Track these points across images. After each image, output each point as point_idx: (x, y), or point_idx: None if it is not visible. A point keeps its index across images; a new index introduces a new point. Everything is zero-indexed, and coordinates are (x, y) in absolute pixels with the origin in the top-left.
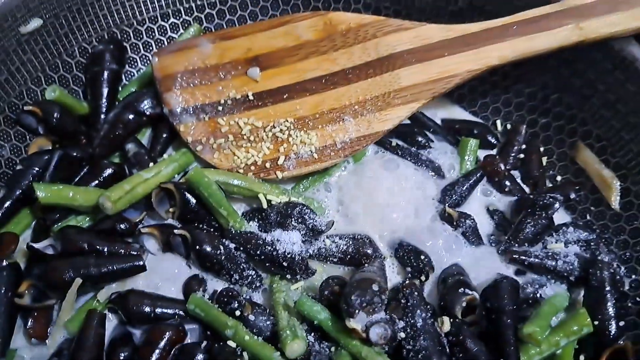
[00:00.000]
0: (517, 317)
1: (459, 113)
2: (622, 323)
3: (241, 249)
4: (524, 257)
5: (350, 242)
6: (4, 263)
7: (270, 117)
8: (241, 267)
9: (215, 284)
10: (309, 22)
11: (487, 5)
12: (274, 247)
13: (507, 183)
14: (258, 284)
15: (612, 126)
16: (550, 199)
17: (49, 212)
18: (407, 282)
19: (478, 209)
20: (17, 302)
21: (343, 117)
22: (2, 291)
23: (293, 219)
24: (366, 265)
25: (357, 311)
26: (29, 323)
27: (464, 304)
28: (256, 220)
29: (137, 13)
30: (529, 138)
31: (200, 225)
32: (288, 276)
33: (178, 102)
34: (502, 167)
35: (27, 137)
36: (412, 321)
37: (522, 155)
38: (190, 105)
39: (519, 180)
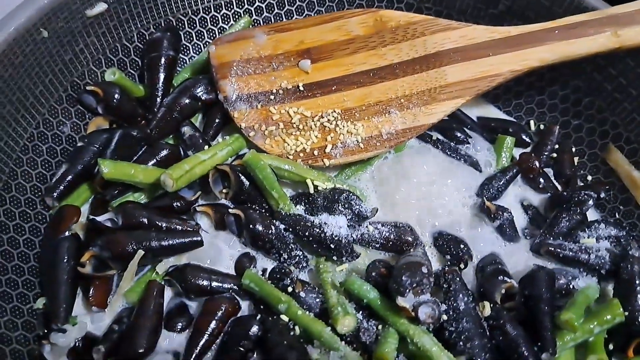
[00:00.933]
0: (553, 305)
1: (494, 112)
2: None
3: (290, 230)
4: (558, 250)
5: (393, 230)
6: (67, 234)
7: (319, 108)
8: (290, 247)
9: (265, 263)
10: (360, 18)
11: (527, 11)
12: (321, 229)
13: (541, 180)
14: (305, 264)
15: None
16: (585, 196)
17: (108, 188)
18: (447, 268)
19: (513, 204)
20: (80, 271)
21: (389, 110)
22: (65, 260)
23: (340, 204)
24: (409, 251)
25: (407, 290)
26: (90, 291)
27: (503, 291)
28: (303, 204)
29: (193, 3)
30: (562, 138)
31: (252, 206)
32: (334, 258)
33: (233, 89)
34: (537, 165)
35: (87, 116)
36: (454, 304)
37: (554, 155)
38: (244, 93)
39: (552, 178)
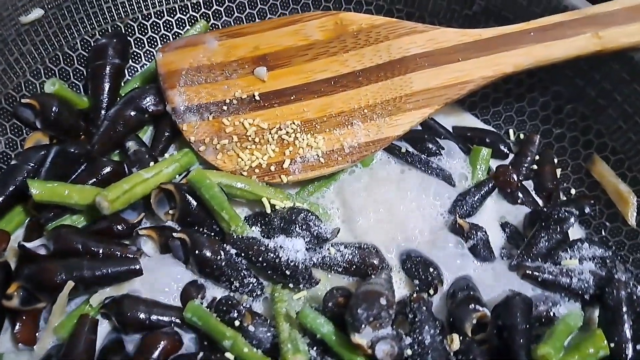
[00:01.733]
0: (530, 337)
1: (470, 121)
2: (639, 346)
3: (242, 254)
4: (537, 273)
5: (356, 252)
6: None
7: (276, 119)
8: (242, 274)
9: (215, 291)
10: (319, 21)
11: (503, 11)
12: (276, 254)
13: (520, 195)
14: (259, 292)
15: (630, 139)
16: (566, 213)
17: (43, 210)
18: (414, 295)
19: (489, 221)
20: (5, 304)
21: (352, 121)
22: None
23: (297, 226)
24: (372, 276)
25: (363, 325)
26: (17, 327)
27: (474, 321)
28: (259, 225)
29: (143, 7)
30: (543, 149)
31: (201, 229)
32: (291, 285)
33: (182, 100)
34: (515, 178)
35: (24, 131)
36: (419, 337)
37: (535, 167)
38: (194, 103)
39: (532, 192)
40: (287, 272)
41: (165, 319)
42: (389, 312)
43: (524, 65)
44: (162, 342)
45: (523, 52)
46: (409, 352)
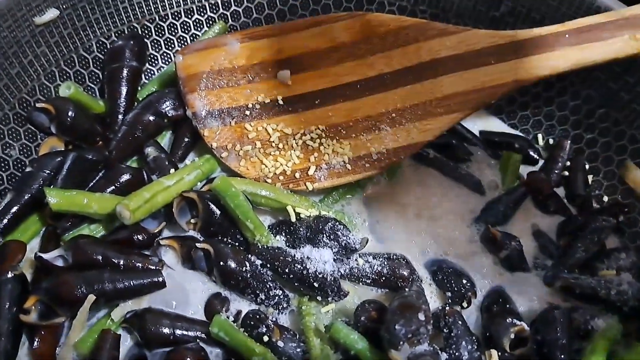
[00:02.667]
0: (571, 352)
1: (497, 125)
2: None
3: (268, 265)
4: (576, 285)
5: (385, 262)
6: (9, 275)
7: (300, 124)
8: (267, 285)
9: (239, 304)
10: (345, 23)
11: (532, 12)
12: (304, 265)
13: (552, 203)
14: (285, 305)
15: None
16: (604, 222)
17: (60, 220)
18: (448, 309)
19: (521, 230)
20: (23, 319)
21: (379, 126)
22: (7, 306)
23: (325, 235)
24: (405, 289)
25: (401, 342)
26: (35, 342)
27: (512, 336)
28: (284, 234)
29: (160, 8)
30: (573, 155)
31: (224, 239)
32: (319, 297)
33: (203, 104)
34: (547, 185)
35: (38, 136)
36: (456, 354)
37: (566, 173)
38: (216, 108)
39: (563, 199)
40: (315, 284)
41: (190, 333)
42: (427, 328)
43: (560, 69)
44: (188, 358)
45: (559, 54)
46: None
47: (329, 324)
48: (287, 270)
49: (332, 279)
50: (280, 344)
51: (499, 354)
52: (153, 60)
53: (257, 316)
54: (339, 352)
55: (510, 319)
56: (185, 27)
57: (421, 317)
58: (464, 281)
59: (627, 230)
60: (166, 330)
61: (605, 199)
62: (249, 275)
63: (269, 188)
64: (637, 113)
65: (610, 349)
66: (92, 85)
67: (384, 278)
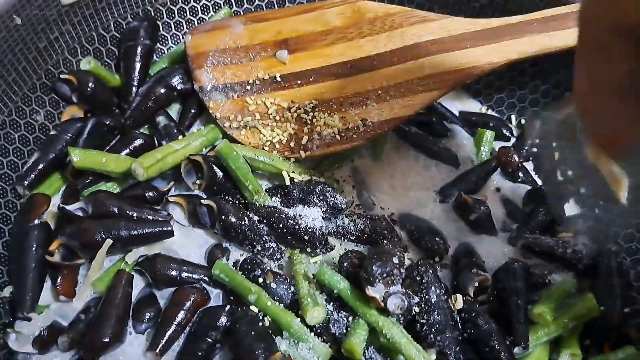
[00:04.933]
0: (527, 299)
1: (475, 107)
2: (626, 310)
3: (264, 221)
4: (535, 244)
5: (368, 222)
6: (36, 222)
7: (295, 99)
8: (264, 238)
9: (238, 255)
10: (338, 9)
11: (508, 4)
12: (296, 221)
13: (520, 174)
14: (278, 256)
15: None
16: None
17: (80, 177)
18: (422, 261)
19: (491, 197)
20: (48, 259)
21: (366, 102)
22: (33, 249)
23: (315, 196)
24: (384, 242)
25: (377, 280)
26: (58, 280)
27: (476, 284)
28: (279, 196)
29: None
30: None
31: (226, 198)
32: (308, 249)
33: (209, 79)
34: (516, 159)
35: (61, 104)
36: (426, 297)
37: (534, 149)
38: (220, 83)
39: (531, 173)
40: (306, 238)
41: (194, 276)
42: (400, 271)
43: (527, 53)
44: (192, 296)
45: (527, 40)
46: (416, 309)
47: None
48: (281, 226)
49: (321, 233)
50: (273, 285)
51: (464, 299)
52: (163, 40)
53: (254, 261)
54: (324, 294)
55: (475, 270)
56: (193, 11)
57: (395, 260)
58: (437, 239)
59: (587, 200)
60: (173, 273)
61: (569, 172)
62: (247, 228)
63: (266, 154)
64: None
65: (564, 301)
66: (109, 61)
67: (366, 235)
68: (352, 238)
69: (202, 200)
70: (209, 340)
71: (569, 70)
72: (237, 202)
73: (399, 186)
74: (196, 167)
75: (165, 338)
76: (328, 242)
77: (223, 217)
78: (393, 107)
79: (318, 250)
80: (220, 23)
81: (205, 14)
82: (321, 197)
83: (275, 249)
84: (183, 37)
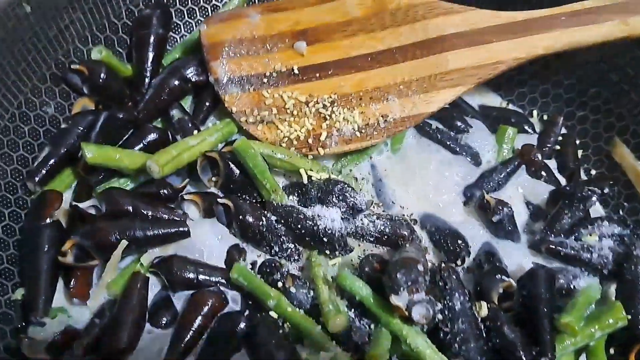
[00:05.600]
0: (553, 307)
1: (496, 101)
2: None
3: (282, 222)
4: (560, 248)
5: (388, 223)
6: (48, 221)
7: (314, 93)
8: (281, 239)
9: (254, 256)
10: None
11: None
12: (314, 222)
13: (543, 173)
14: (296, 257)
15: None
16: (589, 192)
17: (92, 173)
18: (444, 265)
19: (513, 197)
20: (61, 261)
21: (387, 97)
22: (45, 249)
23: (334, 196)
24: (406, 246)
25: (401, 289)
26: (72, 282)
27: (500, 290)
28: (296, 194)
29: None
30: (565, 130)
31: (242, 196)
32: (327, 251)
33: (224, 71)
34: (540, 158)
35: (72, 96)
36: (450, 304)
37: (558, 147)
38: (236, 75)
39: (554, 171)
40: (325, 239)
41: (212, 278)
42: (425, 278)
43: (554, 49)
44: (210, 300)
45: (554, 35)
46: (439, 316)
47: (336, 275)
48: (299, 226)
49: (340, 235)
50: (293, 290)
51: (488, 305)
52: (176, 28)
53: (273, 264)
54: (345, 299)
55: (499, 276)
56: None
57: (420, 268)
58: (459, 241)
59: (611, 201)
60: (190, 275)
61: (593, 172)
62: (265, 229)
63: (284, 151)
64: (626, 93)
65: (590, 307)
66: (120, 50)
67: (386, 237)
68: (372, 239)
69: (218, 200)
70: (228, 346)
71: (593, 65)
72: (254, 200)
73: (419, 184)
74: (212, 163)
75: (183, 345)
76: (347, 243)
77: (240, 216)
78: (415, 103)
79: (337, 252)
80: (237, 12)
81: (219, 1)
82: (340, 197)
83: (293, 250)
84: (197, 26)
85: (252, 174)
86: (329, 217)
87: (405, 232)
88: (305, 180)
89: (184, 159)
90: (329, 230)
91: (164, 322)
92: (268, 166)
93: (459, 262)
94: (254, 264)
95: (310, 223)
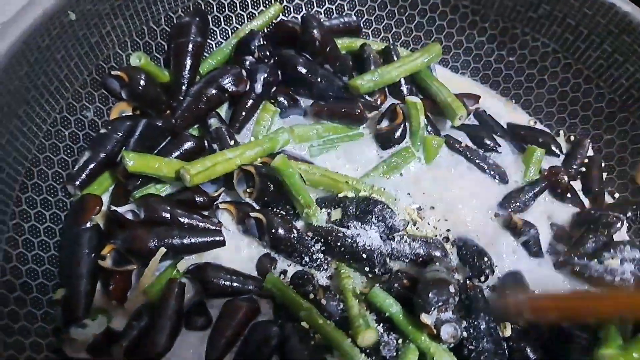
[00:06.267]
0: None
1: (524, 118)
2: None
3: (322, 241)
4: (584, 271)
5: (424, 245)
6: (88, 225)
7: None
8: (311, 250)
9: (285, 265)
10: None
11: (568, 18)
12: (354, 239)
13: (569, 195)
14: (326, 267)
15: None
16: (614, 218)
17: (131, 178)
18: (470, 283)
19: (539, 218)
20: (101, 264)
21: None
22: (86, 252)
23: (374, 216)
24: (437, 264)
25: (432, 308)
26: (110, 285)
27: None
28: (332, 209)
29: None
30: (592, 152)
31: (275, 209)
32: (366, 269)
33: None
34: (566, 180)
35: (110, 100)
36: (475, 323)
37: (583, 169)
38: None
39: (579, 193)
40: (364, 256)
41: (245, 287)
42: (455, 299)
43: None
44: (244, 308)
45: None
46: (465, 334)
47: (368, 292)
48: (339, 244)
49: (379, 253)
50: (324, 301)
51: (512, 326)
52: (212, 34)
53: (305, 276)
54: (374, 313)
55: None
56: (243, 5)
57: (451, 289)
58: (485, 259)
59: (633, 225)
60: (225, 283)
61: (617, 195)
62: (295, 241)
63: (323, 170)
64: None
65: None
66: (158, 55)
67: (420, 259)
68: (406, 260)
69: (251, 213)
70: (261, 354)
71: (624, 90)
72: (285, 213)
73: (448, 201)
74: (247, 175)
75: (219, 352)
76: (386, 262)
77: (272, 230)
78: None
79: (376, 270)
80: None
81: (255, 8)
82: (380, 218)
83: (323, 260)
84: (232, 32)
85: (288, 190)
86: (367, 236)
87: (438, 253)
88: (341, 195)
89: (218, 170)
90: (368, 247)
91: (197, 325)
92: (305, 181)
93: (482, 279)
94: (284, 272)
95: (350, 241)
